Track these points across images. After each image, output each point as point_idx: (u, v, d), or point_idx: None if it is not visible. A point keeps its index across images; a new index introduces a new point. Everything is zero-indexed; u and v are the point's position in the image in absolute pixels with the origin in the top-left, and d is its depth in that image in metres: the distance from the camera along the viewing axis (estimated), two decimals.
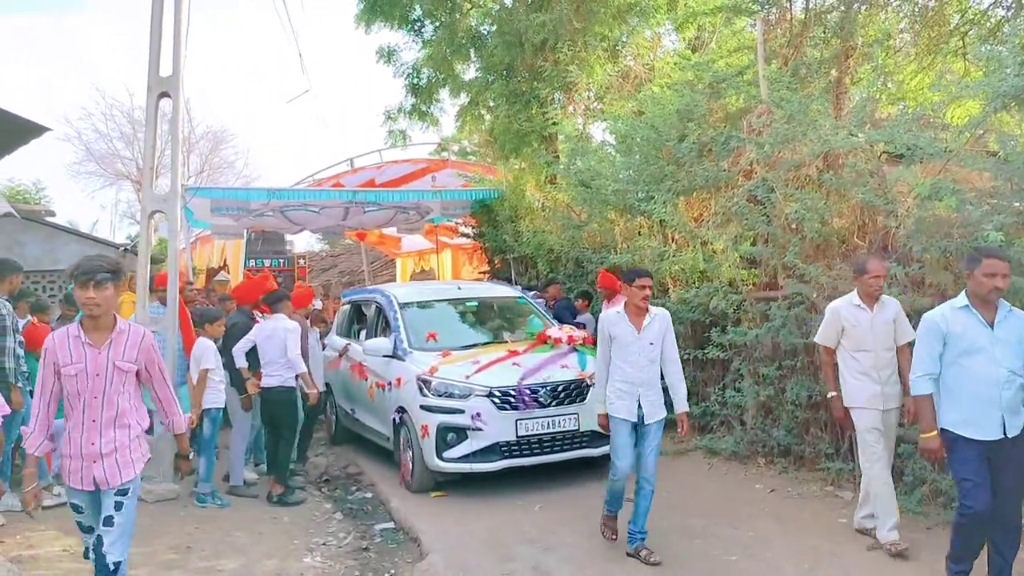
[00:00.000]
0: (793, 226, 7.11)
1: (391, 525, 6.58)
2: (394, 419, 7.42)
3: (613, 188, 9.26)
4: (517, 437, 6.80)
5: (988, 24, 9.22)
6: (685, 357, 7.72)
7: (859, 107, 7.31)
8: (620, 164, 9.73)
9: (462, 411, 6.80)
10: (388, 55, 14.12)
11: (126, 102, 31.58)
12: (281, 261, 19.44)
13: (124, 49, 54.46)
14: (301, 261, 20.55)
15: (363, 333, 9.06)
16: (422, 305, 8.43)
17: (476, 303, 8.88)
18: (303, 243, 27.07)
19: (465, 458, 6.77)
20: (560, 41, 11.66)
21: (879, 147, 6.87)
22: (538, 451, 6.89)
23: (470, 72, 13.82)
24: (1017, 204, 5.66)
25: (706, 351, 7.77)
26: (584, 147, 10.84)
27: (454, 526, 6.12)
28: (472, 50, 13.40)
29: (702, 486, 6.94)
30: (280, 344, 7.11)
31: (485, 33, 13.30)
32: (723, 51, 11.88)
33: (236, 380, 7.25)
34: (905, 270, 6.16)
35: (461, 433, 6.79)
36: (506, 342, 7.99)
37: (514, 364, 7.20)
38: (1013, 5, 8.92)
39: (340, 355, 9.15)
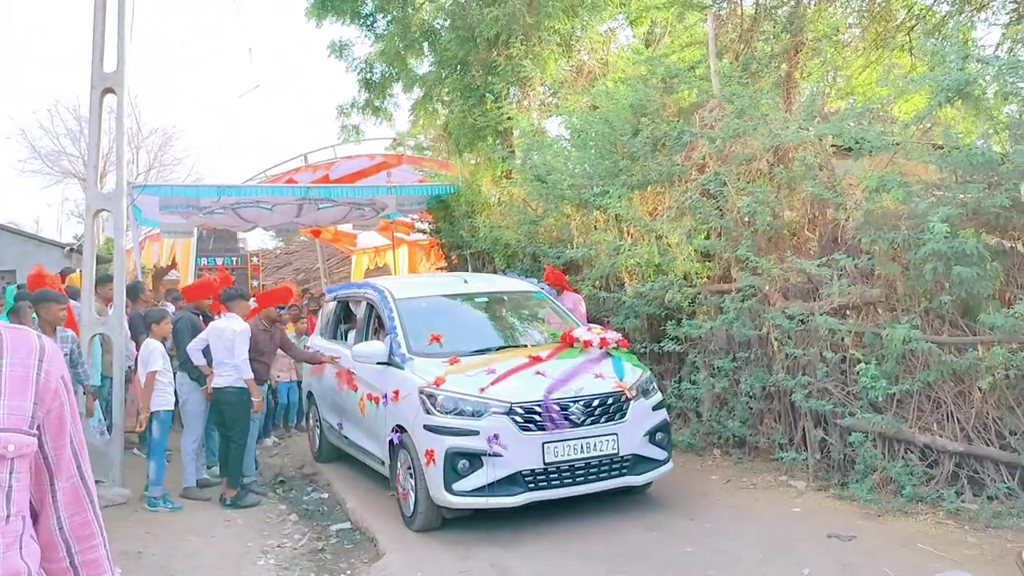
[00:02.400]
0: (745, 219, 7.19)
1: (347, 525, 6.50)
2: (391, 440, 6.18)
3: (569, 183, 9.28)
4: (544, 464, 5.59)
5: (933, 19, 9.42)
6: (642, 351, 7.82)
7: (808, 101, 7.42)
8: (575, 159, 9.75)
9: (476, 432, 5.55)
10: (340, 49, 13.99)
11: (72, 98, 30.88)
12: (234, 259, 19.17)
13: (70, 43, 53.13)
14: (255, 259, 20.27)
15: (351, 334, 7.89)
16: (423, 302, 7.13)
17: (486, 299, 7.47)
18: (256, 241, 26.63)
19: (480, 491, 5.53)
20: (513, 36, 11.64)
21: (828, 141, 6.97)
22: (569, 481, 5.68)
23: (423, 67, 13.78)
24: (962, 196, 5.78)
25: (662, 344, 7.82)
26: (539, 142, 10.84)
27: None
28: (425, 44, 13.34)
29: (659, 478, 6.97)
30: (228, 345, 6.91)
31: (438, 27, 13.23)
32: (676, 46, 11.99)
33: (197, 375, 7.12)
34: (854, 262, 6.26)
35: (475, 460, 5.53)
36: (525, 346, 6.63)
37: (538, 373, 5.94)
38: (957, 1, 9.12)
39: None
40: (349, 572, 5.51)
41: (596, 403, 5.80)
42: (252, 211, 12.44)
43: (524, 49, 11.67)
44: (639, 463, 5.91)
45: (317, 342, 8.63)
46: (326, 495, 7.41)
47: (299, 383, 9.86)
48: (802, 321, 6.63)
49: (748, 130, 7.27)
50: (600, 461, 5.74)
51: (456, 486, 5.53)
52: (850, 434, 6.21)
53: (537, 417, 5.61)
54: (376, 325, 7.21)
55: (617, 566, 5.09)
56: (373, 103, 14.12)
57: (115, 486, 6.76)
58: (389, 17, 13.42)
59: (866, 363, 6.06)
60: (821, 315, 6.40)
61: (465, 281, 7.64)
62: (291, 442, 9.67)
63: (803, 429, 6.72)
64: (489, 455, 5.50)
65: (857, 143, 6.46)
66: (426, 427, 5.72)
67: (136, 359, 7.17)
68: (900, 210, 6.12)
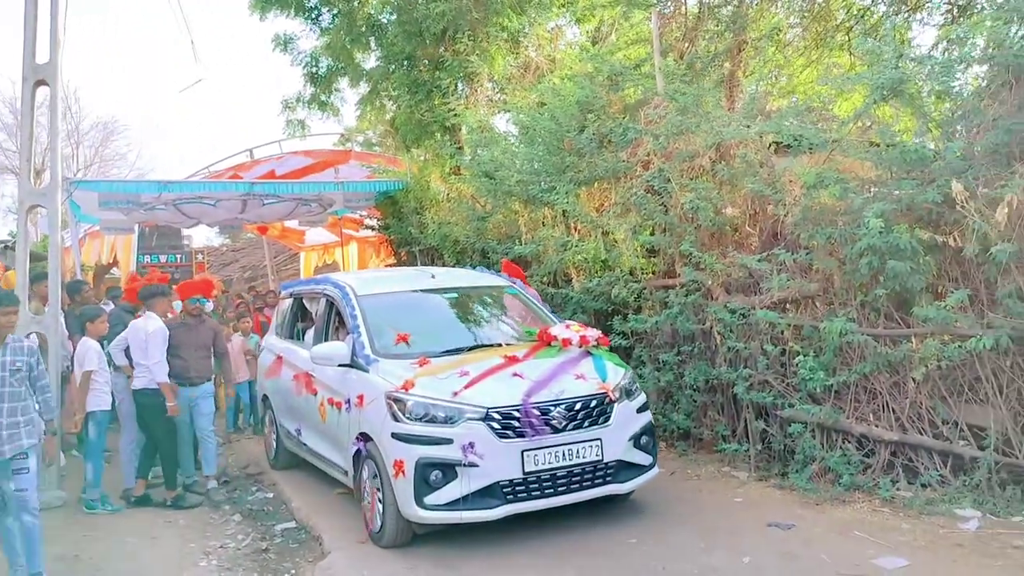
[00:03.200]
0: (689, 216, 7.28)
1: (293, 524, 6.43)
2: (356, 449, 5.79)
3: (516, 179, 9.29)
4: (524, 474, 5.20)
5: (871, 19, 9.65)
6: None
7: (749, 99, 7.54)
8: (523, 155, 9.77)
9: (449, 441, 5.15)
10: (285, 43, 13.80)
11: (8, 90, 29.97)
12: (178, 256, 18.77)
13: (4, 33, 51.51)
14: (199, 256, 19.87)
15: (309, 334, 7.41)
16: (387, 298, 6.64)
17: (456, 294, 6.99)
18: (202, 237, 26.23)
19: (454, 504, 5.13)
20: (460, 31, 11.62)
21: (768, 138, 7.09)
22: (551, 491, 5.31)
23: (370, 61, 13.67)
24: (896, 192, 5.93)
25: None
26: (487, 138, 10.84)
27: (358, 523, 6.01)
28: (372, 39, 13.22)
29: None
30: (144, 346, 6.70)
31: (384, 22, 13.12)
32: (622, 43, 12.07)
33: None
34: (793, 257, 6.39)
35: (448, 471, 5.13)
36: (499, 345, 6.22)
37: (515, 375, 5.56)
38: (894, 2, 9.35)
39: (280, 360, 7.74)
40: (293, 572, 5.45)
41: (578, 406, 5.44)
42: (195, 207, 12.22)
43: (471, 45, 11.66)
44: (623, 469, 5.57)
45: (273, 342, 8.24)
46: (271, 495, 7.31)
47: (251, 383, 9.72)
48: (743, 315, 6.75)
49: (691, 127, 7.36)
50: (583, 469, 5.38)
51: (428, 499, 5.13)
52: (790, 425, 6.34)
53: (516, 423, 5.23)
54: (336, 324, 6.84)
55: (560, 554, 5.13)
56: (319, 97, 13.96)
57: (52, 488, 6.59)
58: (335, 11, 13.28)
59: (804, 355, 6.19)
60: (762, 309, 6.53)
61: (432, 276, 7.11)
62: (238, 443, 9.51)
63: (745, 421, 6.84)
64: (464, 465, 5.12)
65: (796, 140, 6.60)
66: (394, 435, 5.30)
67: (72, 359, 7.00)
68: (837, 206, 6.25)
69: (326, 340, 6.70)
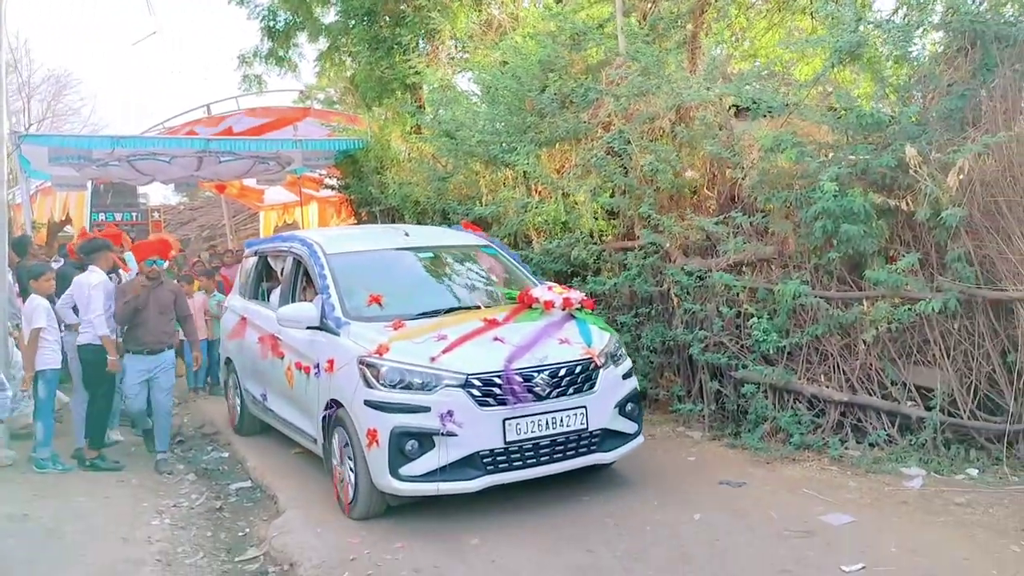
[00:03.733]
0: (648, 178, 7.28)
1: (248, 484, 6.41)
2: (325, 416, 5.54)
3: (478, 139, 9.20)
4: (505, 443, 4.97)
5: None
6: None
7: (709, 62, 7.51)
8: (485, 115, 9.66)
9: (427, 409, 4.90)
10: None
11: None
12: (133, 215, 18.33)
13: None
14: (156, 215, 19.44)
15: (275, 294, 7.09)
16: (358, 257, 6.32)
17: (431, 253, 6.64)
18: (159, 195, 25.63)
19: (431, 475, 4.89)
20: None
21: (728, 101, 7.09)
22: (533, 461, 5.09)
23: (330, 16, 13.37)
24: (852, 156, 5.98)
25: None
26: (449, 97, 10.70)
27: (314, 482, 6.01)
28: None
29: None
30: (87, 301, 6.54)
31: None
32: (585, 2, 11.91)
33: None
34: (750, 220, 6.44)
35: (426, 440, 4.89)
36: (478, 307, 5.89)
37: (496, 340, 5.28)
38: None
39: (244, 321, 7.37)
40: (248, 530, 5.45)
41: (563, 373, 5.18)
42: (149, 164, 11.96)
43: (433, 1, 11.44)
44: (609, 438, 5.35)
45: (236, 302, 7.89)
46: (227, 454, 7.28)
47: (210, 342, 9.59)
48: (700, 277, 6.80)
49: (652, 89, 7.33)
50: (567, 438, 5.15)
51: (403, 470, 4.88)
52: (743, 386, 6.44)
53: (497, 390, 4.97)
54: (304, 284, 6.57)
55: (516, 517, 5.17)
56: (277, 52, 13.66)
57: (1, 447, 6.48)
58: None
59: (759, 318, 6.27)
60: (718, 271, 6.58)
61: (406, 234, 6.76)
62: (194, 403, 9.41)
63: (700, 382, 6.93)
64: (442, 434, 4.86)
65: (754, 103, 6.60)
66: (367, 403, 5.03)
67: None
68: (794, 170, 6.30)
69: (293, 301, 6.42)
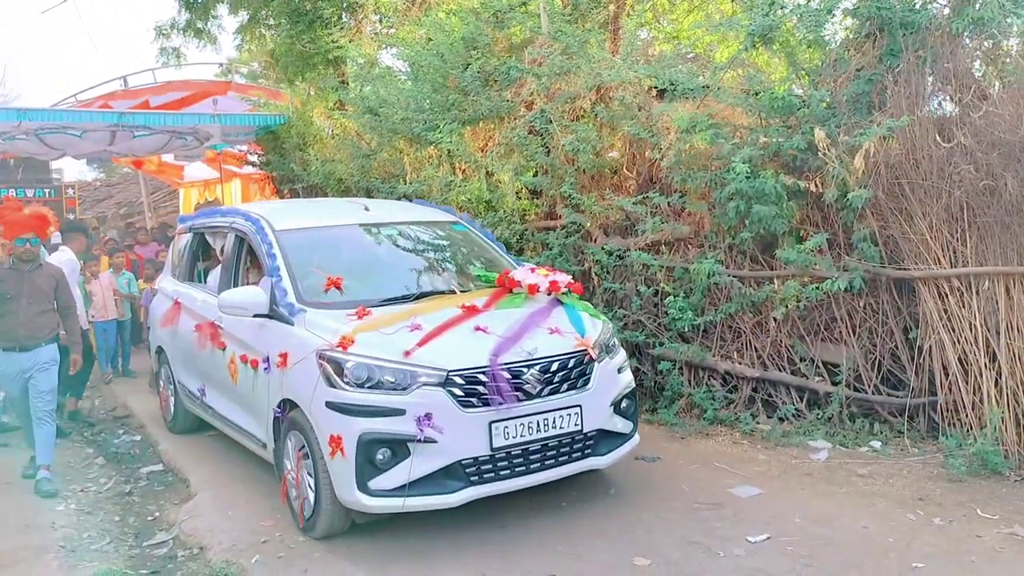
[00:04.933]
0: (569, 157, 7.30)
1: (159, 467, 6.25)
2: (278, 418, 4.84)
3: (401, 116, 9.09)
4: (491, 450, 4.32)
5: None
6: None
7: (628, 42, 7.56)
8: (409, 92, 9.54)
9: (401, 411, 4.22)
10: None
11: None
12: (46, 191, 17.62)
13: None
14: (70, 191, 18.73)
15: (212, 275, 6.40)
16: (312, 234, 5.58)
17: (395, 230, 5.85)
18: (74, 171, 24.74)
19: (404, 489, 4.21)
20: None
21: (647, 82, 7.15)
22: (522, 469, 4.46)
23: None
24: (764, 138, 6.10)
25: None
26: (373, 73, 10.53)
27: (228, 464, 5.90)
28: None
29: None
30: None
31: None
32: None
33: None
34: (667, 200, 6.53)
35: (399, 448, 4.21)
36: (453, 292, 5.23)
37: (477, 329, 4.61)
38: None
39: (178, 306, 6.59)
40: (158, 514, 5.31)
41: (555, 367, 4.56)
42: (59, 138, 11.48)
43: None
44: (604, 438, 4.78)
45: (168, 284, 7.09)
46: (138, 437, 7.08)
47: (119, 322, 9.27)
48: (620, 257, 6.88)
49: (573, 69, 7.34)
50: (560, 441, 4.55)
51: (373, 484, 4.20)
52: (660, 363, 6.55)
53: (482, 388, 4.31)
54: (248, 264, 5.86)
55: None
56: (195, 24, 13.26)
57: None
58: None
59: (675, 296, 6.38)
60: (636, 251, 6.67)
61: (366, 208, 6.01)
62: (107, 387, 9.12)
63: None
64: (420, 441, 4.18)
65: (672, 85, 6.68)
66: (330, 405, 4.31)
67: None
68: (709, 151, 6.40)
69: (235, 284, 5.72)
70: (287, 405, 4.71)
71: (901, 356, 5.89)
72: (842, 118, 5.87)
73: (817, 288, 5.82)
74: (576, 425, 4.57)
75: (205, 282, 6.55)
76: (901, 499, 4.82)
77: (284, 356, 4.71)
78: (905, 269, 5.71)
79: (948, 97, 5.78)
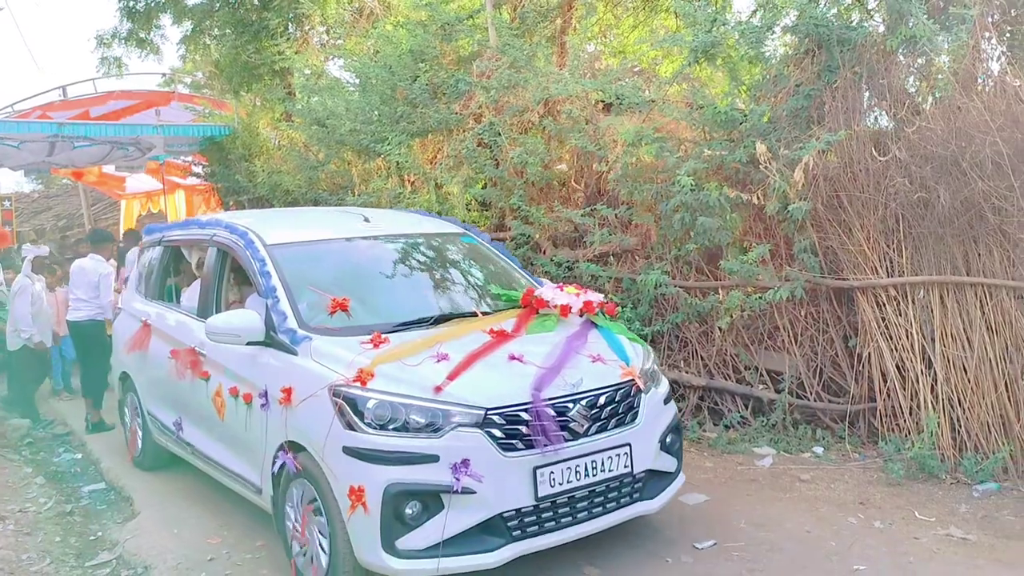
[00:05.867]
0: (518, 170, 7.37)
1: (102, 486, 6.10)
2: (275, 462, 4.17)
3: (349, 127, 9.06)
4: (536, 500, 3.74)
5: None
6: None
7: (573, 56, 7.65)
8: (357, 104, 9.52)
9: (434, 458, 3.62)
10: None
11: None
12: None
13: None
14: (7, 203, 18.22)
15: (185, 294, 5.81)
16: (309, 248, 4.92)
17: (401, 243, 5.18)
18: (11, 182, 24.12)
19: (438, 548, 3.60)
20: None
21: (594, 96, 7.25)
22: (569, 519, 3.88)
23: None
24: (707, 152, 6.23)
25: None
26: (319, 84, 10.48)
27: (173, 482, 5.78)
28: None
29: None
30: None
31: None
32: None
33: None
34: (614, 212, 6.62)
35: (432, 501, 3.62)
36: (474, 314, 4.57)
37: (513, 359, 4.01)
38: None
39: (147, 329, 5.87)
40: (100, 533, 5.18)
41: (603, 401, 3.99)
42: None
43: None
44: (652, 479, 4.23)
45: (135, 303, 6.31)
46: (79, 455, 6.91)
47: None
48: (569, 267, 6.95)
49: (521, 82, 7.42)
50: (607, 486, 3.98)
51: (401, 543, 3.59)
52: None
53: (524, 428, 3.73)
54: (233, 283, 5.32)
55: None
56: (137, 34, 13.01)
57: None
58: None
59: (623, 307, 6.46)
60: (585, 262, 6.75)
61: (366, 219, 5.33)
62: (48, 404, 8.85)
63: None
64: (457, 492, 3.59)
65: (618, 99, 6.79)
66: (348, 451, 3.69)
67: None
68: (655, 164, 6.52)
69: (217, 304, 5.07)
70: (290, 448, 4.06)
71: (841, 364, 6.05)
72: (782, 132, 6.02)
73: (760, 298, 5.95)
74: (626, 466, 4.02)
75: (178, 301, 5.91)
76: (843, 503, 4.94)
77: (288, 391, 4.04)
78: (844, 279, 5.87)
79: (884, 112, 5.98)
